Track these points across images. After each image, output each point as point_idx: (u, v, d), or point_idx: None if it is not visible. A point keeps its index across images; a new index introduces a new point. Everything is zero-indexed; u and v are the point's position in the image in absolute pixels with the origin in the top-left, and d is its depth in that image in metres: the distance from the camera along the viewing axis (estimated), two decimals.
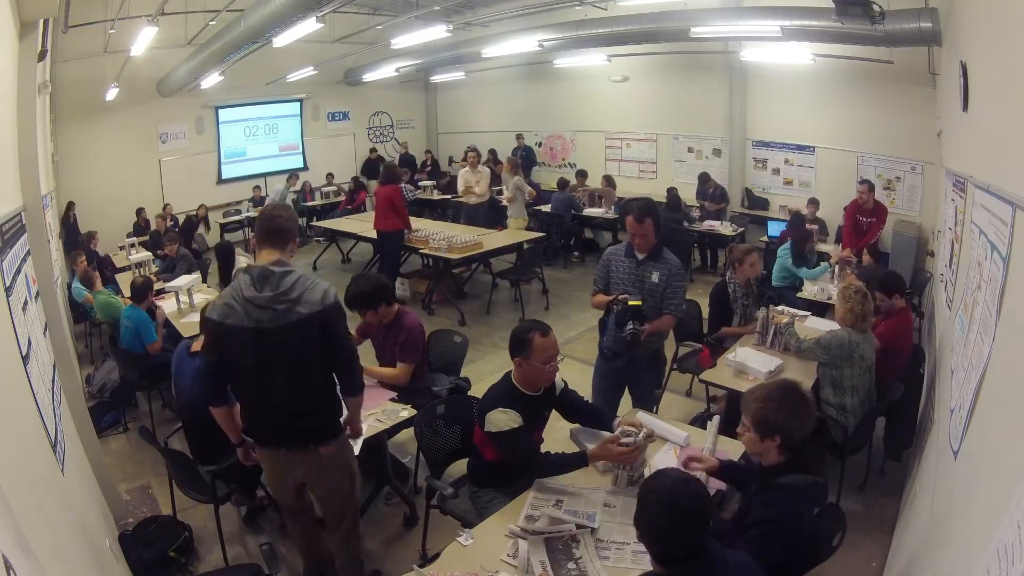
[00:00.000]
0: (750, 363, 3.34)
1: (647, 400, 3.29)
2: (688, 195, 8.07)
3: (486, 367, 4.76)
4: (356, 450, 2.55)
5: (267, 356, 2.12)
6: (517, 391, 2.39)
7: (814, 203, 6.93)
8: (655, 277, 3.01)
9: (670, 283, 3.01)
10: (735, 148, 8.71)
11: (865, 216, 5.84)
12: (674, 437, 2.59)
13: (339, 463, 2.37)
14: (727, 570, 1.56)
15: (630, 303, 2.84)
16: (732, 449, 2.46)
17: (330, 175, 11.27)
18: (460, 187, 7.93)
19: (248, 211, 9.91)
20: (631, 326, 2.80)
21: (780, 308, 4.01)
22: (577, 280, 7.61)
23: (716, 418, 2.65)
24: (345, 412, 2.39)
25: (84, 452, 3.01)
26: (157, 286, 5.50)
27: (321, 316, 2.12)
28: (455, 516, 2.55)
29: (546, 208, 8.41)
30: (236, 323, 2.09)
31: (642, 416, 2.73)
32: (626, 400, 3.27)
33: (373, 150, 12.07)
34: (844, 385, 3.15)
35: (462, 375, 3.75)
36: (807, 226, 6.05)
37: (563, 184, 8.79)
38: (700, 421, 3.59)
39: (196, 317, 4.65)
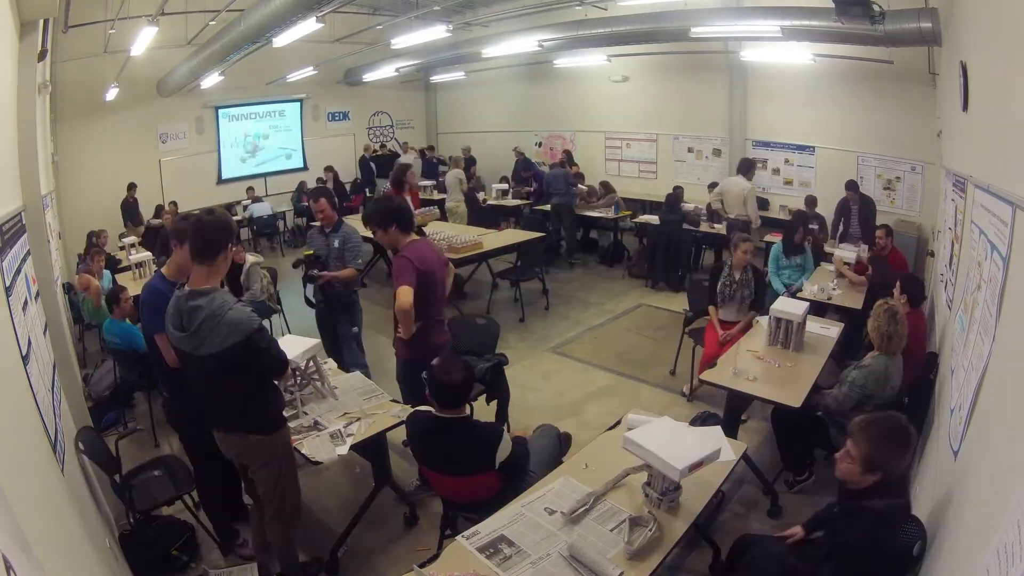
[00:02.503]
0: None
1: (348, 338, 4.05)
2: (697, 195, 8.01)
3: None
4: (343, 450, 2.63)
5: (194, 367, 2.27)
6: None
7: (811, 201, 6.92)
8: (336, 242, 4.00)
9: (346, 245, 3.95)
10: (735, 148, 8.69)
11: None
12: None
13: (268, 451, 2.42)
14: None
15: (306, 252, 3.95)
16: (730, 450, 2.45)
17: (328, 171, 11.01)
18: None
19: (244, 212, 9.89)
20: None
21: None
22: (577, 280, 7.60)
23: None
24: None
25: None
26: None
27: (226, 356, 2.10)
28: None
29: (547, 208, 8.38)
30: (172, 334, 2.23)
31: (632, 416, 2.71)
32: (627, 401, 3.26)
33: (382, 145, 11.98)
34: (867, 407, 2.93)
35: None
36: (809, 225, 6.05)
37: (560, 163, 8.56)
38: (699, 421, 3.57)
39: None
